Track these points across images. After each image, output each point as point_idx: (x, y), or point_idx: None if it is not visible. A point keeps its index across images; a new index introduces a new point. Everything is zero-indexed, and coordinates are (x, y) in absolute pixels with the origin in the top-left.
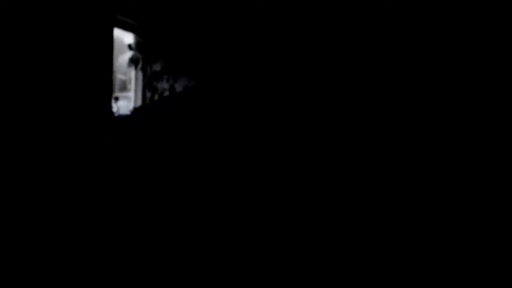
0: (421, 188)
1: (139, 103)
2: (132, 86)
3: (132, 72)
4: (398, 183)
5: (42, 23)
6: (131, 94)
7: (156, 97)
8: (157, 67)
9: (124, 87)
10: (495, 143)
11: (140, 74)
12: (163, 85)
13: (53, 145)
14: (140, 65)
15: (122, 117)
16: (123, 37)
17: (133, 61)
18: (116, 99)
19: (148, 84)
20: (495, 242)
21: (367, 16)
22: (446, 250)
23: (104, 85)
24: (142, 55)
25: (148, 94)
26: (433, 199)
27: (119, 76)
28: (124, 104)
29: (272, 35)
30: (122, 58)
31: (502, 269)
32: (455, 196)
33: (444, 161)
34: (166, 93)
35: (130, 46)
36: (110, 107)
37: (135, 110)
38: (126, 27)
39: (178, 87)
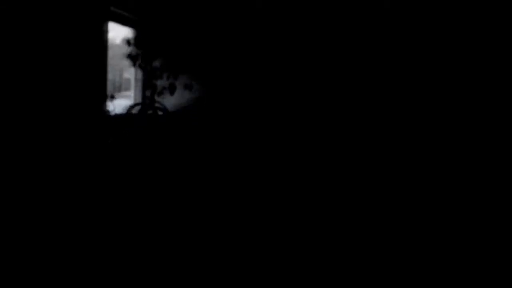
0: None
1: (138, 100)
2: (131, 84)
3: (132, 70)
4: (396, 183)
5: (25, 15)
6: (131, 92)
7: (156, 96)
8: (156, 64)
9: (130, 86)
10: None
11: (140, 72)
12: (163, 82)
13: (39, 145)
14: (138, 62)
15: (118, 116)
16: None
17: (131, 57)
18: (112, 97)
19: (147, 82)
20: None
21: (367, 16)
22: (445, 250)
23: (97, 82)
24: (141, 51)
25: (148, 93)
26: (432, 199)
27: (125, 75)
28: (127, 103)
29: (272, 34)
30: None
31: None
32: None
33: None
34: (166, 91)
35: (128, 42)
36: (103, 105)
37: (130, 108)
38: (124, 22)
39: (179, 85)
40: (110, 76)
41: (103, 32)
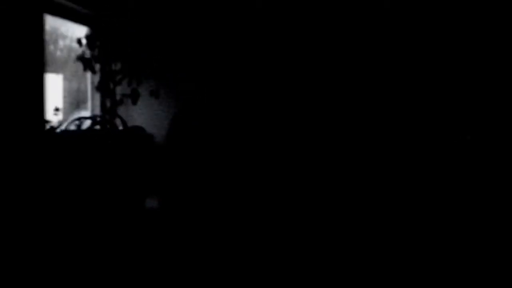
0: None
1: (98, 112)
2: (88, 93)
3: (88, 76)
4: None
5: None
6: (88, 103)
7: (123, 108)
8: (116, 67)
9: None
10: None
11: (97, 78)
12: (124, 89)
13: None
14: (94, 65)
15: (66, 134)
16: None
17: (82, 60)
18: (57, 110)
19: (103, 88)
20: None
21: (367, 16)
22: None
23: (30, 92)
24: (94, 52)
25: (108, 102)
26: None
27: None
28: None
29: (271, 35)
30: None
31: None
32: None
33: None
34: (128, 100)
35: (79, 41)
36: (38, 121)
37: (77, 123)
38: (75, 18)
39: (144, 92)
40: (79, 86)
41: (38, 29)
